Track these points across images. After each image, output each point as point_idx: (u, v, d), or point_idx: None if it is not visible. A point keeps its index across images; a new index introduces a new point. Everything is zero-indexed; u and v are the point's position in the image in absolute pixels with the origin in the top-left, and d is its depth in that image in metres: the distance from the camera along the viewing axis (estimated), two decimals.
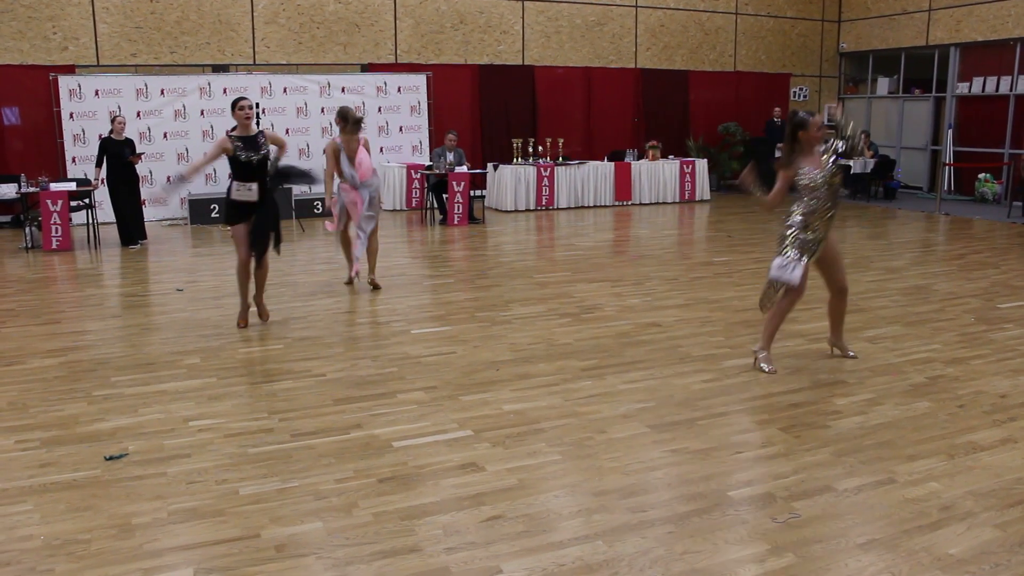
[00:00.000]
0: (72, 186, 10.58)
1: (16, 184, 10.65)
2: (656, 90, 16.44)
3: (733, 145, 16.76)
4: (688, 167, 15.20)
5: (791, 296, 5.28)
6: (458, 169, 12.30)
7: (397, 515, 3.47)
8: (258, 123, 6.57)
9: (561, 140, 14.37)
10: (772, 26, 17.51)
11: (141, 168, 11.28)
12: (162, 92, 12.68)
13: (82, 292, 8.17)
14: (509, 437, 4.31)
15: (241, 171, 6.25)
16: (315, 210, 13.01)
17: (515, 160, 13.93)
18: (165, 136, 12.76)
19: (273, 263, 6.93)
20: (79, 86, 12.20)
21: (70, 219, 10.34)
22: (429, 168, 12.70)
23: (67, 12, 12.36)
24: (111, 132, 10.55)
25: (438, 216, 12.53)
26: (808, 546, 3.22)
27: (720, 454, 4.10)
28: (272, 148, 6.44)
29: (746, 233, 11.57)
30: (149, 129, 12.62)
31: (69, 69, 12.34)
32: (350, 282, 8.01)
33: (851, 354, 5.63)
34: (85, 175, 11.62)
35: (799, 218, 5.20)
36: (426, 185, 12.94)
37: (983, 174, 15.31)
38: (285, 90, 13.43)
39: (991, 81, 15.44)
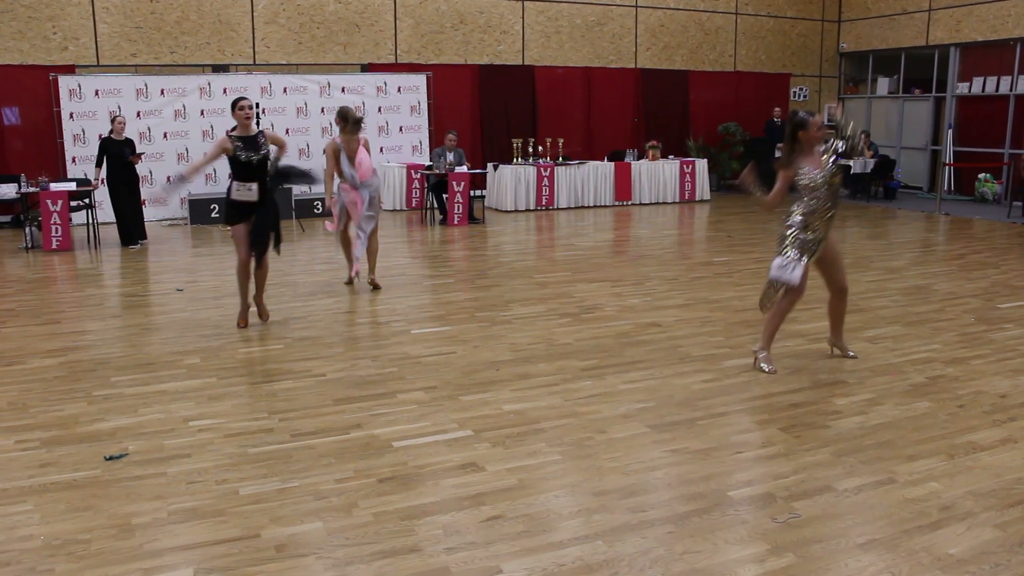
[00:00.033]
0: (72, 186, 10.58)
1: (16, 184, 10.65)
2: (656, 90, 16.44)
3: (733, 145, 16.76)
4: (688, 167, 15.20)
5: (791, 296, 5.28)
6: (458, 169, 12.30)
7: (397, 515, 3.47)
8: (258, 123, 6.58)
9: (561, 140, 14.37)
10: (772, 26, 17.51)
11: (141, 168, 11.28)
12: (162, 92, 12.68)
13: (82, 292, 8.17)
14: (509, 437, 4.31)
15: (241, 171, 6.25)
16: (315, 210, 13.01)
17: (515, 160, 13.93)
18: (165, 136, 12.76)
19: (273, 263, 6.93)
20: (79, 86, 12.21)
21: (70, 219, 10.34)
22: (429, 168, 12.70)
23: (67, 12, 12.36)
24: (111, 132, 10.55)
25: (438, 216, 12.53)
26: (808, 546, 3.22)
27: (720, 454, 4.10)
28: (272, 148, 6.44)
29: (746, 233, 11.57)
30: (149, 129, 12.62)
31: (69, 69, 12.34)
32: (350, 282, 8.01)
33: (851, 354, 5.63)
34: (85, 175, 11.62)
35: (799, 218, 5.20)
36: (426, 185, 12.94)
37: (983, 174, 15.31)
38: (285, 90, 13.43)
39: (991, 81, 15.44)
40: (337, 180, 7.57)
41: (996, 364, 5.53)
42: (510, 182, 13.79)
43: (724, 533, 3.32)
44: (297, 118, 13.52)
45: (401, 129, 14.41)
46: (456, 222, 12.22)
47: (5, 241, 11.01)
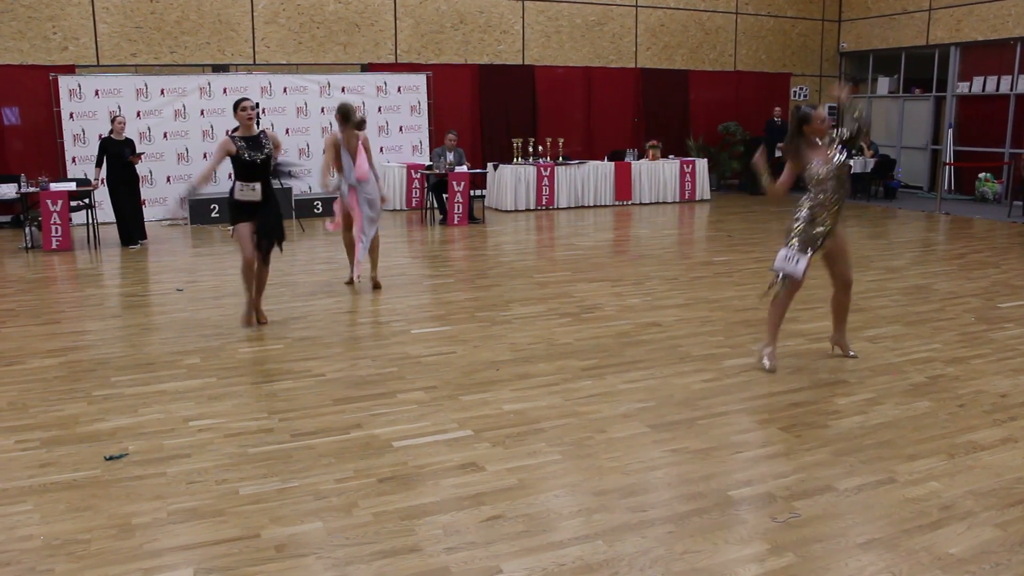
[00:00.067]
0: (72, 186, 10.58)
1: (16, 184, 10.65)
2: (656, 90, 16.44)
3: (733, 145, 16.75)
4: (688, 167, 15.20)
5: (789, 289, 5.30)
6: (458, 169, 12.30)
7: (397, 515, 3.47)
8: (258, 123, 6.60)
9: (561, 140, 14.37)
10: (772, 26, 17.50)
11: (141, 168, 11.28)
12: (162, 92, 12.68)
13: (82, 292, 8.17)
14: (509, 437, 4.31)
15: (244, 171, 6.26)
16: (315, 210, 13.02)
17: (515, 160, 13.93)
18: (165, 136, 12.76)
19: (273, 263, 6.92)
20: (79, 86, 12.20)
21: (70, 219, 10.34)
22: (429, 168, 12.69)
23: (67, 12, 12.36)
24: (111, 132, 10.55)
25: (438, 216, 12.53)
26: (808, 546, 3.22)
27: (720, 454, 4.10)
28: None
29: (746, 233, 11.57)
30: (149, 129, 12.62)
31: (69, 69, 12.34)
32: (351, 282, 8.02)
33: (852, 354, 5.62)
34: (85, 175, 11.62)
35: (806, 211, 5.22)
36: (426, 185, 12.94)
37: (983, 173, 15.31)
38: (285, 90, 13.43)
39: (991, 80, 15.43)
40: (343, 183, 7.58)
41: (996, 363, 5.53)
42: (510, 182, 13.79)
43: (724, 533, 3.32)
44: (297, 118, 13.52)
45: (401, 129, 14.42)
46: (456, 222, 12.22)
47: (5, 241, 11.01)
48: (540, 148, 14.11)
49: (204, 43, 13.19)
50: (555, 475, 3.87)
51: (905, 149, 17.01)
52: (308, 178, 13.32)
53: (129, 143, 10.64)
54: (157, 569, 3.06)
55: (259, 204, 6.33)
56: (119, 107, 12.10)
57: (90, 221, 10.60)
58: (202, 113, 12.90)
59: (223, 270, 8.88)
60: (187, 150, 12.87)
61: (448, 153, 12.41)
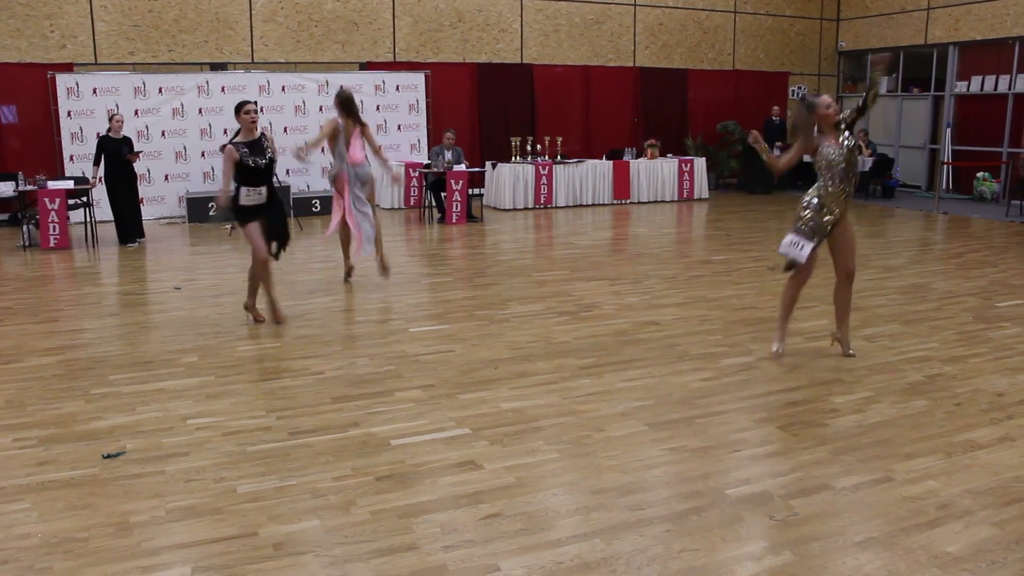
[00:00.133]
0: (70, 184, 10.57)
1: (14, 182, 10.63)
2: (655, 89, 16.44)
3: (732, 144, 16.75)
4: (687, 166, 15.20)
5: (797, 278, 5.32)
6: (456, 167, 12.30)
7: (395, 513, 3.47)
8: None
9: (560, 138, 14.36)
10: (771, 25, 17.51)
11: (139, 166, 11.27)
12: (160, 90, 12.66)
13: (80, 290, 8.16)
14: (507, 435, 4.31)
15: (250, 176, 6.19)
16: (313, 208, 13.01)
17: (513, 158, 13.93)
18: (163, 134, 12.74)
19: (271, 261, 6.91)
20: (77, 84, 12.18)
21: (68, 217, 10.33)
22: (427, 166, 12.68)
23: (65, 10, 12.34)
24: (109, 130, 10.54)
25: (436, 214, 12.53)
26: (806, 544, 3.22)
27: (718, 452, 4.11)
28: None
29: (744, 232, 11.58)
30: (147, 127, 12.60)
31: (67, 67, 12.32)
32: (347, 279, 8.03)
33: (850, 352, 5.63)
34: (83, 173, 11.60)
35: (815, 199, 5.24)
36: (424, 183, 12.94)
37: (981, 173, 15.32)
38: (283, 88, 13.41)
39: (989, 80, 15.44)
40: (344, 167, 7.60)
41: (994, 362, 5.54)
42: (508, 180, 13.79)
43: (722, 531, 3.33)
44: (295, 116, 13.50)
45: (399, 127, 14.41)
46: (454, 220, 12.22)
47: (3, 239, 10.99)
48: (538, 147, 14.10)
49: (202, 41, 13.17)
50: (553, 473, 3.87)
51: (903, 148, 17.02)
52: (306, 176, 13.35)
53: (127, 141, 10.63)
54: (155, 567, 3.06)
55: (264, 204, 6.32)
56: (117, 105, 12.08)
57: (88, 219, 10.58)
58: (200, 111, 12.88)
59: (221, 268, 8.88)
60: (185, 148, 12.86)
61: (446, 152, 12.40)
